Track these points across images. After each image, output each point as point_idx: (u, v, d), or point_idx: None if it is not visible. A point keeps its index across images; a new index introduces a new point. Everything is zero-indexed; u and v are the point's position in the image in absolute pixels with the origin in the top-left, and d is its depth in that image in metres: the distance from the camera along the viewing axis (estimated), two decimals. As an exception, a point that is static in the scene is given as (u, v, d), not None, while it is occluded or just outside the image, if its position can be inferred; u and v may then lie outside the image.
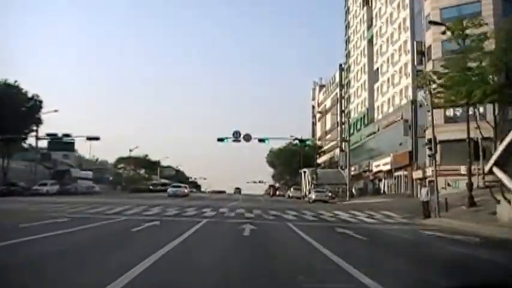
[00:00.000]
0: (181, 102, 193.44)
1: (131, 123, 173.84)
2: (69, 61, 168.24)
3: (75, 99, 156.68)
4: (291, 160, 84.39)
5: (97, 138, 42.06)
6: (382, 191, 55.06)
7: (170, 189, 46.74)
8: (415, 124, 46.20)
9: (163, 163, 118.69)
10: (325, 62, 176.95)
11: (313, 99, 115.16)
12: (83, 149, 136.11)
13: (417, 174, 43.55)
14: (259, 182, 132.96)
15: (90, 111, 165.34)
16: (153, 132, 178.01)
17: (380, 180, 56.45)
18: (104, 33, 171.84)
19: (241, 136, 40.26)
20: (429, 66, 41.04)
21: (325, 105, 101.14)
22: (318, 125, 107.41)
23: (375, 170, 58.15)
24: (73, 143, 50.97)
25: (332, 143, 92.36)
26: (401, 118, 49.41)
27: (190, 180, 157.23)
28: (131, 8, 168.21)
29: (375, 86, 60.85)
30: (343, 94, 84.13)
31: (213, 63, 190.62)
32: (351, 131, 73.50)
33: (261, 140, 40.13)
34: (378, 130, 58.00)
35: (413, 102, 46.88)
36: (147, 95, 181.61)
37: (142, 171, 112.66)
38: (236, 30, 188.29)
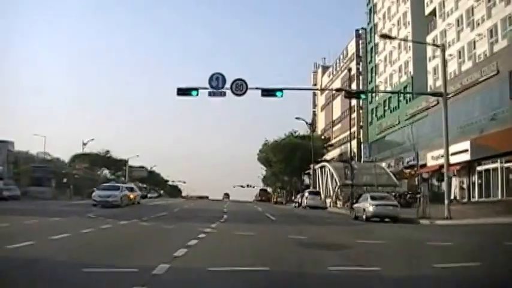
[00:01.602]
0: (161, 101, 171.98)
1: (104, 123, 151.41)
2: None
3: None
4: (292, 156, 64.31)
5: None
6: (453, 196, 34.72)
7: (97, 194, 25.44)
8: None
9: (135, 163, 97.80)
10: (327, 41, 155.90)
11: (314, 84, 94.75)
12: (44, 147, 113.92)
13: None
14: (247, 186, 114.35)
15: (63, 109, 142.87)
16: (132, 132, 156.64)
17: (448, 178, 36.01)
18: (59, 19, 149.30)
19: (226, 86, 19.46)
20: None
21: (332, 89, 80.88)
22: (322, 114, 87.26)
23: (431, 164, 37.94)
24: None
25: (343, 135, 72.41)
26: (497, 73, 29.32)
27: (169, 183, 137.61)
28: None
29: (428, 38, 40.68)
30: (360, 69, 64.23)
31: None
32: (377, 115, 53.44)
33: (268, 93, 19.18)
34: (437, 103, 37.79)
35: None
36: (117, 90, 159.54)
37: (105, 172, 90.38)
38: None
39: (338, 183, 34.78)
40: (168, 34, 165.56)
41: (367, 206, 20.51)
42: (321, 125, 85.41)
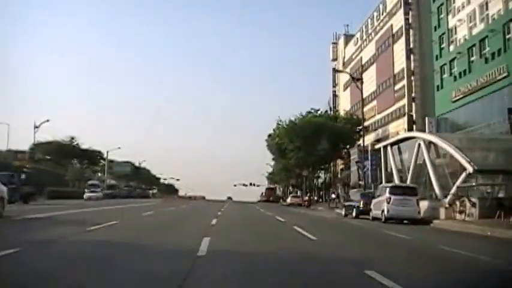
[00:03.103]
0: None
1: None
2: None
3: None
4: (314, 141, 47.36)
5: None
6: None
7: None
8: None
9: (119, 158, 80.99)
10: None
11: (334, 58, 76.89)
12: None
13: None
14: (251, 184, 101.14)
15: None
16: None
17: None
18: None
19: None
20: None
21: (361, 59, 63.06)
22: (345, 94, 69.45)
23: None
24: None
25: (380, 116, 54.65)
26: None
27: (162, 181, 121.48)
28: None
29: None
30: (410, 19, 46.60)
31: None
32: (453, 73, 35.60)
33: None
34: None
35: None
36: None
37: (77, 166, 71.76)
38: None
39: (470, 170, 16.28)
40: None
41: None
42: (343, 107, 67.49)
